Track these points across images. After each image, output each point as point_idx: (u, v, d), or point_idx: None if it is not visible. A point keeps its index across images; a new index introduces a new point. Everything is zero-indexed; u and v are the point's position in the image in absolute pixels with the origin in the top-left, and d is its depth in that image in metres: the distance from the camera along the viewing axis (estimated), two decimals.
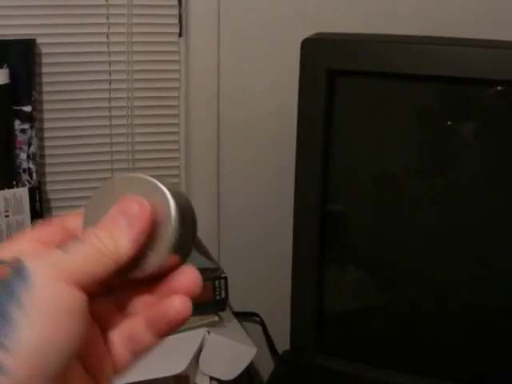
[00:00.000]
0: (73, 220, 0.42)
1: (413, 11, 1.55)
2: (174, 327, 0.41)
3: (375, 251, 1.29)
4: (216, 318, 1.28)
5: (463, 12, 1.54)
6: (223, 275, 1.30)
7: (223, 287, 1.29)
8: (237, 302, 1.57)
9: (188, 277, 0.42)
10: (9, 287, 0.34)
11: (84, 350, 0.38)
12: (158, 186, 0.41)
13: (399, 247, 1.26)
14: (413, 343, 1.27)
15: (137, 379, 1.15)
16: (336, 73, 1.16)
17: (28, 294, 0.34)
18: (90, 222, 0.41)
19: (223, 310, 1.31)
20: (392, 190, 1.25)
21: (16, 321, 0.33)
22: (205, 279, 1.37)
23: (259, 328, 1.70)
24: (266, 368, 1.65)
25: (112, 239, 0.39)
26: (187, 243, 0.42)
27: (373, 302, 1.32)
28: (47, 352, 0.34)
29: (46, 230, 0.41)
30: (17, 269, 0.35)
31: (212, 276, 1.29)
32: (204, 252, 1.39)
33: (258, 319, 1.70)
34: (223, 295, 1.29)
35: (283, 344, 1.59)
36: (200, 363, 1.23)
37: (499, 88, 1.11)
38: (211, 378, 1.24)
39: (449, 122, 1.19)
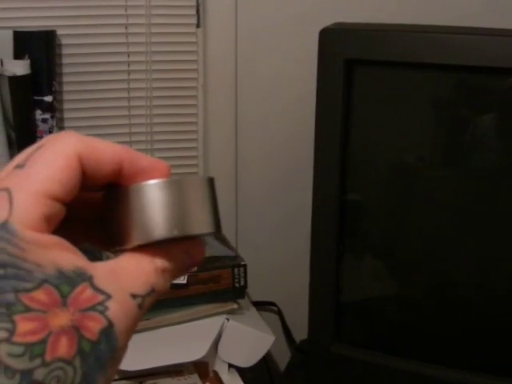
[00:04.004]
0: None
1: (430, 0, 1.55)
2: None
3: (392, 240, 1.30)
4: (235, 306, 1.29)
5: (482, 2, 1.54)
6: (242, 263, 1.30)
7: (242, 275, 1.30)
8: (254, 291, 1.58)
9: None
10: None
11: None
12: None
13: (416, 236, 1.27)
14: (429, 332, 1.28)
15: (157, 364, 1.16)
16: (354, 62, 1.17)
17: None
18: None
19: (242, 297, 1.32)
20: (409, 180, 1.25)
21: None
22: (224, 267, 1.37)
23: (276, 317, 1.71)
24: (283, 357, 1.66)
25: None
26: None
27: (390, 290, 1.33)
28: None
29: None
30: None
31: (231, 264, 1.30)
32: (223, 240, 1.40)
33: (276, 308, 1.71)
34: (242, 283, 1.30)
35: (300, 333, 1.60)
36: (219, 350, 1.24)
37: None
38: (230, 365, 1.25)
39: (466, 112, 1.19)
